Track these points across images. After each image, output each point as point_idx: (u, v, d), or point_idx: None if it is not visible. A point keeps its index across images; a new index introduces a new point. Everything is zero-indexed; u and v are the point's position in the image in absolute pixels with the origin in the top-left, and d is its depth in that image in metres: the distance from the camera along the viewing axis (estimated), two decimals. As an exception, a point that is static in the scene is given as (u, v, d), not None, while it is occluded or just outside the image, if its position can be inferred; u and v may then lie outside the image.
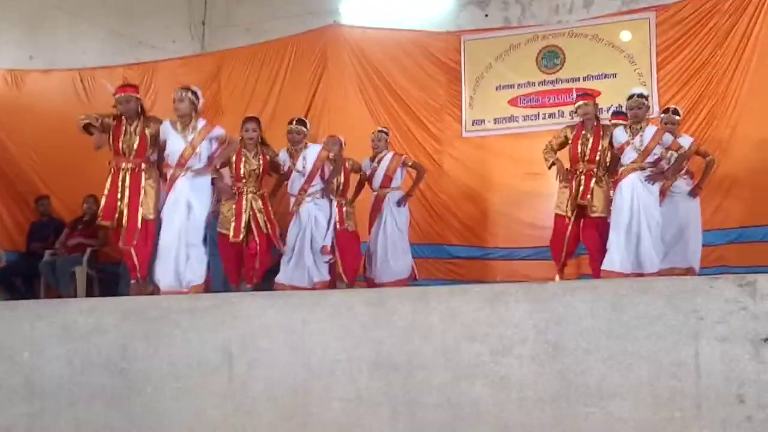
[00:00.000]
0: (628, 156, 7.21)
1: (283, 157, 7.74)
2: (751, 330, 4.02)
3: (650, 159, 7.19)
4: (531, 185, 9.55)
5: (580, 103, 7.71)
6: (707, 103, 8.99)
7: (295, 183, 7.72)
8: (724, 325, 4.06)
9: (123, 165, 6.73)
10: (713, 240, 8.61)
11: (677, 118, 7.87)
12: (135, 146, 6.71)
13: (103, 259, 9.53)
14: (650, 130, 7.24)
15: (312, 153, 7.76)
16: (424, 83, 10.16)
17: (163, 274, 6.65)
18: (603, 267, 7.09)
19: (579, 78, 9.58)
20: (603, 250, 7.22)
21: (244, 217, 7.37)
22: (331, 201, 7.86)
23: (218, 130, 6.94)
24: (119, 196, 6.71)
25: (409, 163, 8.84)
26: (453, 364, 4.42)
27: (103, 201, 6.81)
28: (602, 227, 7.39)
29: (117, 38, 11.18)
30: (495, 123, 9.95)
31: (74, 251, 9.28)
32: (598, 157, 7.49)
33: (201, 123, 6.89)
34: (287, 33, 10.55)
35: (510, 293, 4.42)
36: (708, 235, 8.36)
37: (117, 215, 6.73)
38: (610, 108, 8.80)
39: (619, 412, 4.13)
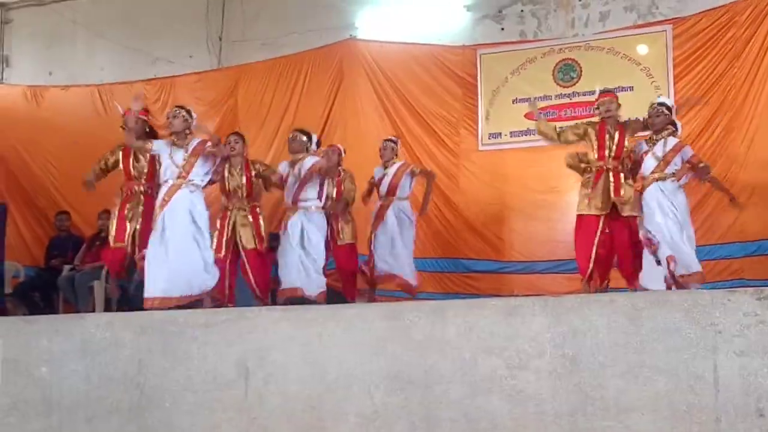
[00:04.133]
0: (648, 165, 7.02)
1: (282, 167, 7.68)
2: (770, 343, 4.00)
3: (670, 169, 6.98)
4: (548, 198, 9.54)
5: (603, 99, 7.33)
6: (725, 116, 8.94)
7: (288, 192, 7.63)
8: (743, 339, 4.04)
9: (135, 188, 6.84)
10: (731, 253, 8.56)
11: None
12: (145, 169, 6.82)
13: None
14: (672, 141, 7.07)
15: (308, 162, 7.59)
16: (440, 97, 10.16)
17: (171, 283, 6.63)
18: (641, 283, 6.87)
19: (595, 91, 9.49)
20: (636, 255, 6.97)
21: (226, 233, 7.36)
22: (322, 217, 7.72)
23: (208, 146, 6.94)
24: (129, 218, 6.83)
25: (417, 171, 8.56)
26: (470, 378, 4.42)
27: (115, 224, 6.99)
28: (635, 227, 7.01)
29: (134, 54, 11.27)
30: (512, 136, 9.92)
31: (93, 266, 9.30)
32: (623, 154, 7.12)
33: (195, 141, 6.90)
34: (304, 48, 10.59)
35: (527, 307, 4.42)
36: (726, 248, 8.33)
37: (129, 237, 6.84)
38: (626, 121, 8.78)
39: (637, 426, 4.11)
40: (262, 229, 7.44)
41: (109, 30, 11.35)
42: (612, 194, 6.99)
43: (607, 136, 7.15)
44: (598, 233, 6.99)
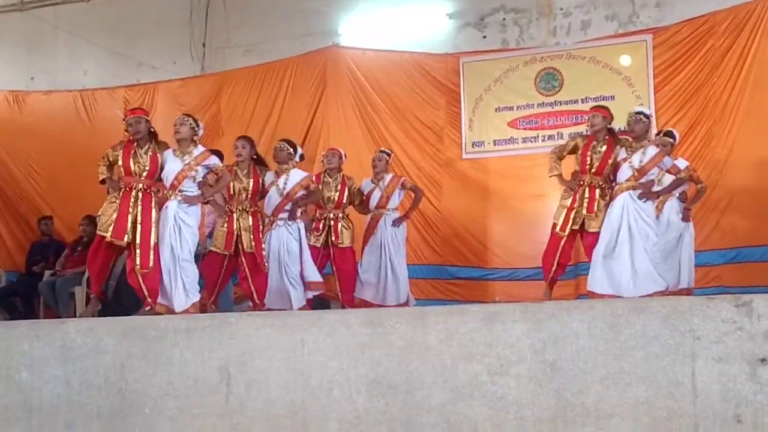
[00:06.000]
0: (624, 173, 7.10)
1: (269, 177, 7.67)
2: (748, 350, 4.04)
3: (645, 179, 7.07)
4: (531, 206, 9.57)
5: (590, 114, 7.52)
6: (704, 124, 9.03)
7: (270, 202, 7.68)
8: (721, 345, 4.07)
9: (134, 185, 6.78)
10: (710, 260, 8.63)
11: (669, 140, 7.76)
12: (147, 167, 6.78)
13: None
14: (651, 151, 7.10)
15: (295, 176, 7.73)
16: (424, 105, 10.19)
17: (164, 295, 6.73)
18: (588, 287, 7.05)
19: (577, 100, 9.62)
20: None
21: (235, 234, 7.36)
22: (300, 226, 7.75)
23: (214, 159, 7.00)
24: (131, 215, 6.75)
25: (408, 185, 8.70)
26: (451, 384, 4.43)
27: (114, 218, 6.71)
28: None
29: (117, 59, 11.25)
30: (495, 145, 9.97)
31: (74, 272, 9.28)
32: (606, 170, 7.26)
33: (199, 149, 6.95)
34: (287, 54, 10.61)
35: (507, 313, 4.44)
36: (705, 255, 8.39)
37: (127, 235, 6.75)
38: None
39: (617, 432, 4.14)
40: (261, 233, 7.45)
41: (92, 35, 11.30)
42: (585, 210, 7.21)
43: (590, 151, 7.28)
44: (560, 248, 7.33)
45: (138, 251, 6.65)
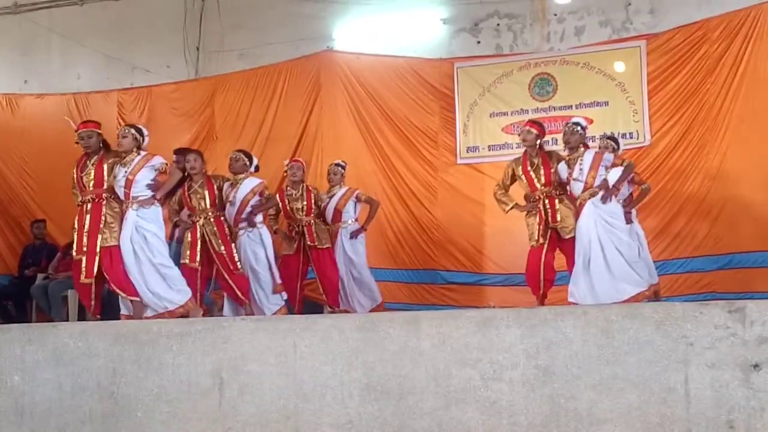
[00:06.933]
0: (576, 188, 7.16)
1: (227, 188, 7.71)
2: (741, 356, 4.04)
3: (596, 184, 7.07)
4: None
5: (522, 129, 7.72)
6: (698, 131, 9.04)
7: (228, 214, 7.72)
8: (714, 351, 4.08)
9: (85, 198, 6.82)
10: (703, 266, 8.65)
11: (611, 143, 7.80)
12: (92, 177, 6.78)
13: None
14: (588, 156, 7.16)
15: (247, 185, 7.80)
16: (418, 109, 10.18)
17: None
18: (569, 298, 7.05)
19: (571, 106, 9.62)
20: None
21: (200, 243, 7.42)
22: (262, 232, 7.82)
23: (157, 160, 6.96)
24: (85, 229, 6.80)
25: (363, 198, 8.70)
26: (444, 389, 4.43)
27: (75, 237, 6.91)
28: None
29: (111, 63, 11.22)
30: (489, 150, 9.96)
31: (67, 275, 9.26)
32: (552, 178, 7.41)
33: (141, 154, 6.92)
34: (281, 59, 10.59)
35: (501, 318, 4.44)
36: (698, 262, 8.40)
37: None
38: (602, 135, 8.86)
39: (610, 438, 4.14)
40: (228, 237, 7.52)
41: (86, 39, 11.27)
42: (550, 221, 7.37)
43: (529, 168, 7.48)
44: (543, 262, 7.42)
45: (84, 261, 6.77)
